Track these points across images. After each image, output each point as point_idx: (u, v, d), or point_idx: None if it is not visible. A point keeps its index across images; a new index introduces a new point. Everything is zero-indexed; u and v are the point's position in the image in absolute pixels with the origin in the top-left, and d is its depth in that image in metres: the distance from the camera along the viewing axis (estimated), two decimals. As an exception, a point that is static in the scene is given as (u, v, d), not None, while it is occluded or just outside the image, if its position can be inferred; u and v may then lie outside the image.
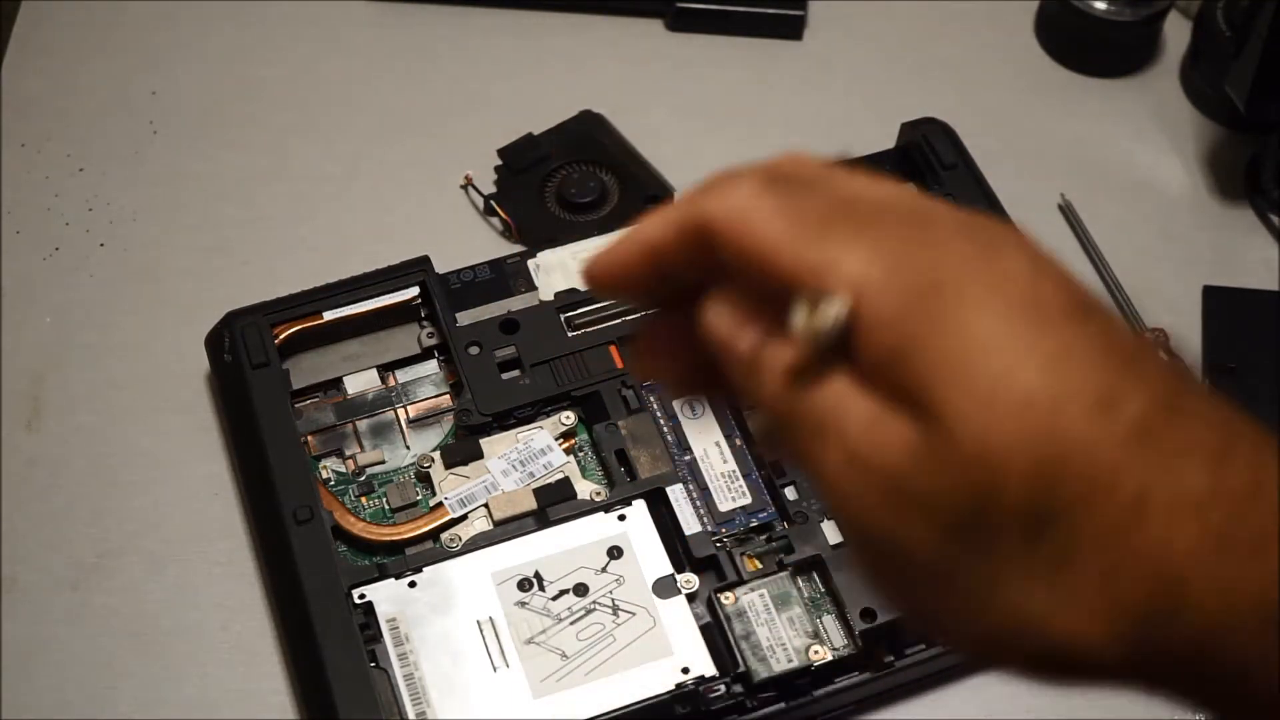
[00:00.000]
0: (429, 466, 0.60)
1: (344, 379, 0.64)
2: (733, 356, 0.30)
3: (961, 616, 0.28)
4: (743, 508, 0.59)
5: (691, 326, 0.32)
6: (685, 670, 0.55)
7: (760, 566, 0.57)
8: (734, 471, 0.60)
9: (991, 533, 0.26)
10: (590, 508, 0.59)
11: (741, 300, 0.30)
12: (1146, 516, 0.26)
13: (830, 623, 0.56)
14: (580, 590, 0.57)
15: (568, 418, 0.62)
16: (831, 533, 0.58)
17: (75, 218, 0.73)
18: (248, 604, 0.61)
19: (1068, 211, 0.73)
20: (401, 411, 0.63)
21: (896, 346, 0.27)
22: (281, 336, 0.63)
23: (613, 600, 0.56)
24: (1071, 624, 0.26)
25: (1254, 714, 0.27)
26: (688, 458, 0.60)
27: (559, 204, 0.72)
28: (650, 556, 0.58)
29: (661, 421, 0.61)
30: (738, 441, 0.61)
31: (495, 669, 0.55)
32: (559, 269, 0.66)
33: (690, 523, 0.58)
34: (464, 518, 0.59)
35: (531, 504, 0.59)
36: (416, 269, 0.65)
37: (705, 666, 0.55)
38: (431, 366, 0.65)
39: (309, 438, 0.62)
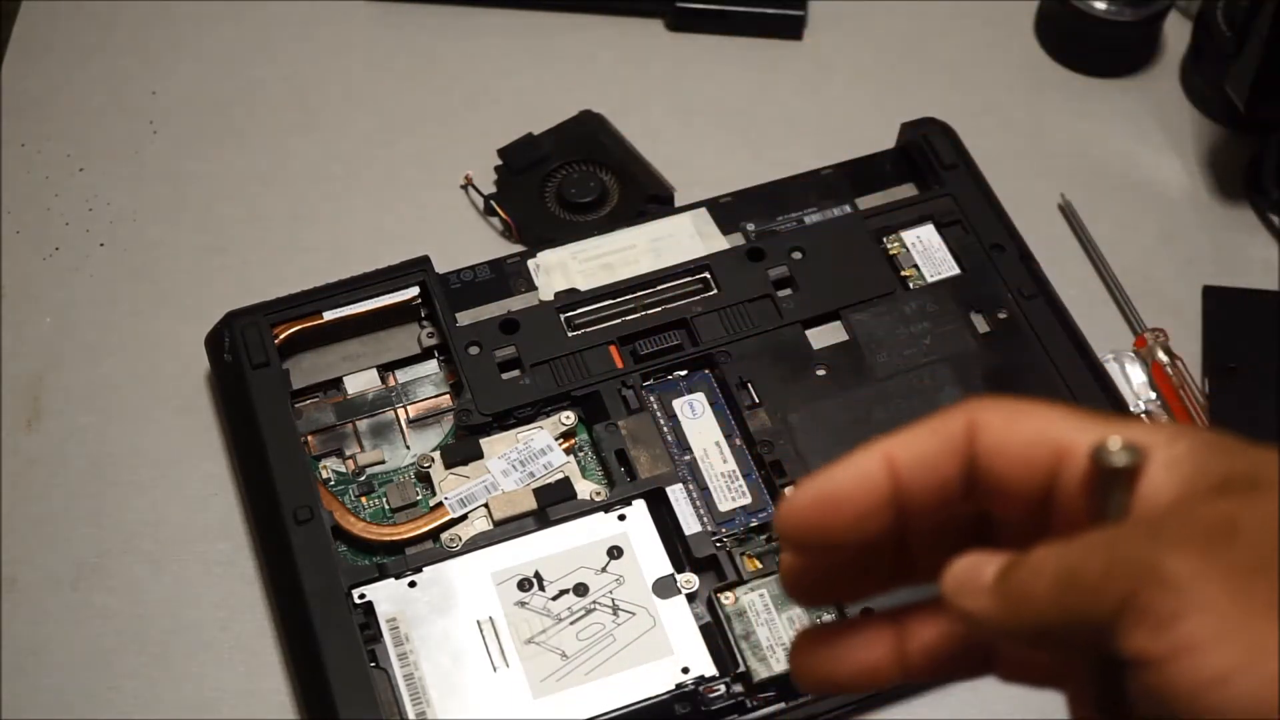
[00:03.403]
0: (429, 466, 0.60)
1: (344, 379, 0.64)
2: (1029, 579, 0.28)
3: None
4: (743, 508, 0.59)
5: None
6: (685, 670, 0.55)
7: (760, 566, 0.57)
8: (734, 471, 0.60)
9: None
10: (590, 508, 0.59)
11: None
12: None
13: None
14: (580, 590, 0.57)
15: (568, 418, 0.62)
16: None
17: (75, 218, 0.73)
18: (248, 604, 0.61)
19: (1068, 211, 0.73)
20: (401, 411, 0.63)
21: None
22: (281, 336, 0.63)
23: (613, 600, 0.56)
24: None
25: None
26: (688, 458, 0.60)
27: (559, 204, 0.72)
28: (650, 556, 0.58)
29: (661, 421, 0.61)
30: (737, 441, 0.61)
31: (495, 669, 0.55)
32: (559, 269, 0.66)
33: (690, 523, 0.58)
34: (464, 518, 0.59)
35: (531, 504, 0.59)
36: (416, 269, 0.65)
37: (705, 666, 0.55)
38: (431, 366, 0.65)
39: (309, 438, 0.62)
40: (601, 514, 0.59)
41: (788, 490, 0.30)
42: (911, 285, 0.66)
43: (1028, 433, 0.29)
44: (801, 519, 0.30)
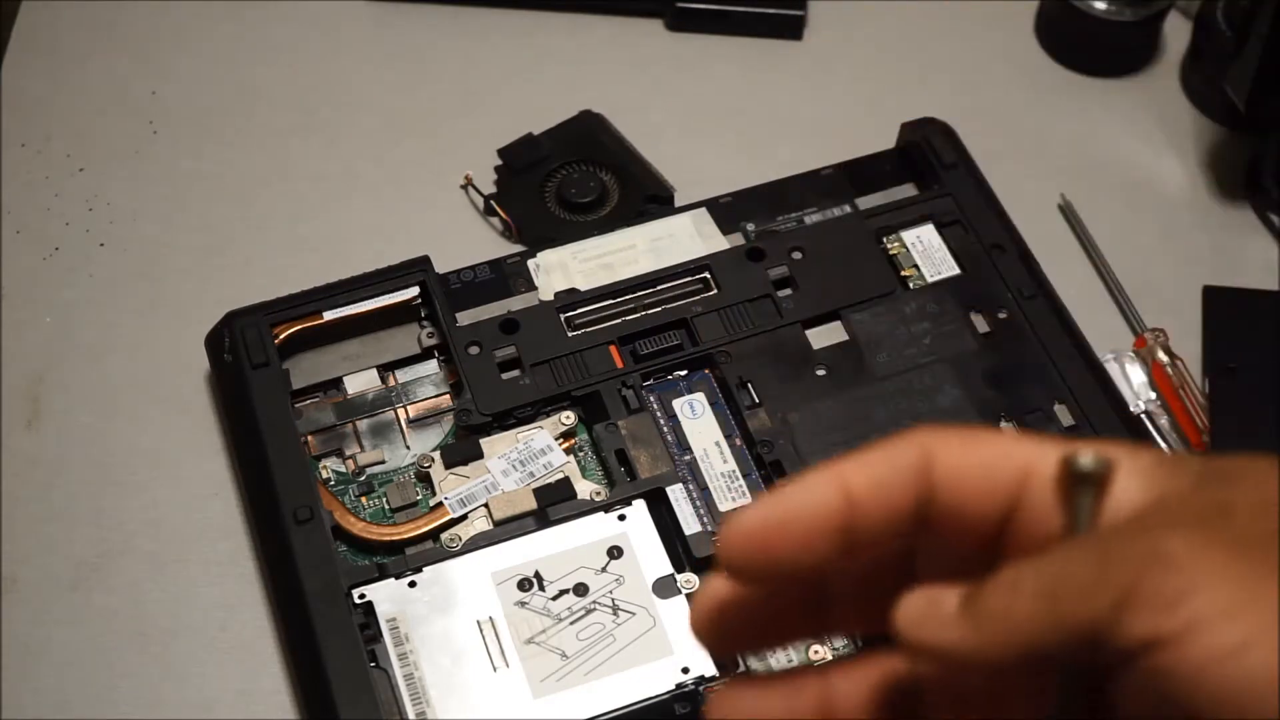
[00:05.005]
0: (429, 466, 0.60)
1: (344, 379, 0.64)
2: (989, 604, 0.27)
3: None
4: (743, 508, 0.59)
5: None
6: (685, 670, 0.55)
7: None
8: (734, 471, 0.60)
9: None
10: (590, 508, 0.59)
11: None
12: None
13: (830, 623, 0.56)
14: (580, 590, 0.57)
15: (568, 418, 0.62)
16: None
17: (75, 218, 0.73)
18: (248, 604, 0.61)
19: (1068, 211, 0.73)
20: (401, 411, 0.63)
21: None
22: (281, 336, 0.63)
23: (613, 600, 0.56)
24: None
25: None
26: (688, 458, 0.60)
27: (559, 204, 0.72)
28: (650, 556, 0.58)
29: (661, 421, 0.61)
30: (738, 441, 0.61)
31: (495, 669, 0.55)
32: (559, 269, 0.66)
33: (690, 523, 0.58)
34: (464, 518, 0.59)
35: (531, 504, 0.59)
36: (416, 269, 0.65)
37: (705, 666, 0.55)
38: (431, 366, 0.65)
39: (309, 438, 0.62)
40: (601, 514, 0.59)
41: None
42: (911, 285, 0.66)
43: (989, 455, 0.29)
44: (750, 540, 0.29)
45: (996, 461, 0.29)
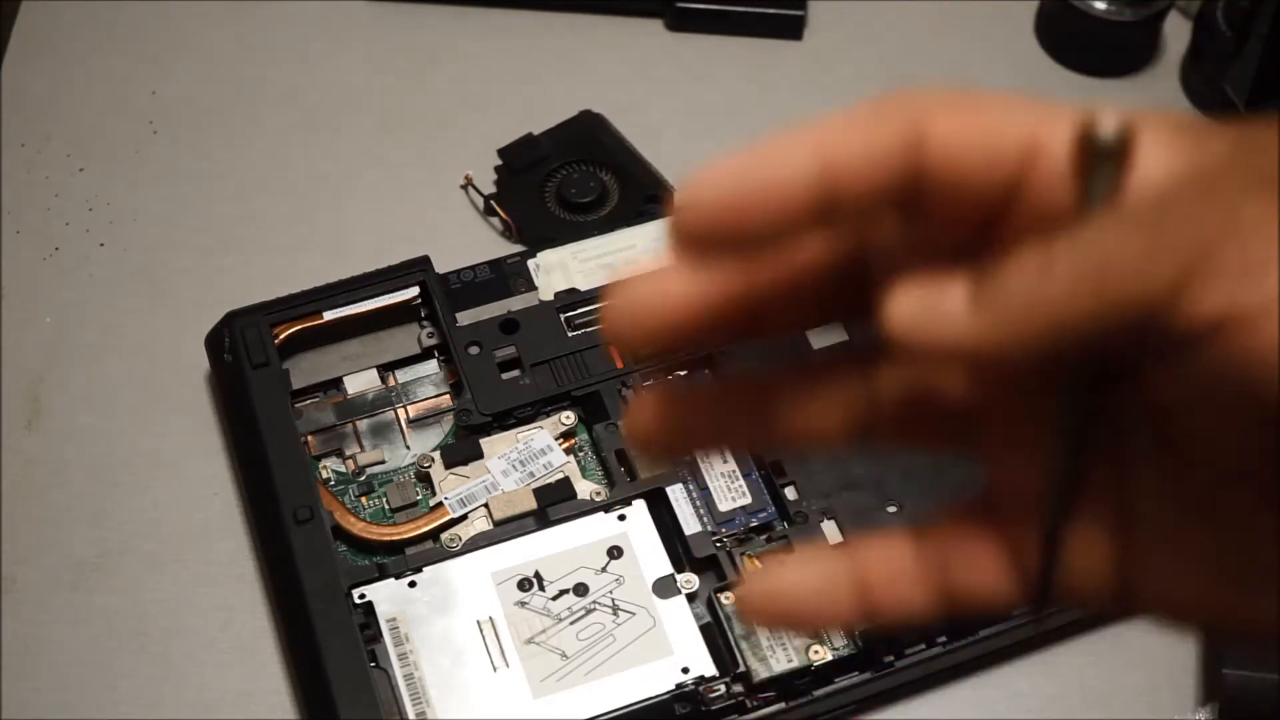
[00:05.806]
0: (429, 466, 0.60)
1: (344, 379, 0.64)
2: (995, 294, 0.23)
3: None
4: (743, 508, 0.59)
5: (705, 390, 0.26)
6: (685, 670, 0.55)
7: (760, 567, 0.57)
8: (734, 471, 0.60)
9: None
10: (590, 508, 0.59)
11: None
12: None
13: (830, 623, 0.56)
14: (580, 590, 0.57)
15: (568, 418, 0.62)
16: (831, 533, 0.58)
17: (75, 218, 0.73)
18: (248, 604, 0.61)
19: (1068, 211, 0.73)
20: (401, 411, 0.63)
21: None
22: (281, 336, 0.63)
23: (613, 600, 0.56)
24: None
25: None
26: (688, 458, 0.60)
27: (559, 204, 0.72)
28: (650, 556, 0.58)
29: (661, 421, 0.61)
30: (738, 441, 0.61)
31: (495, 669, 0.55)
32: (559, 269, 0.66)
33: (690, 523, 0.58)
34: (464, 518, 0.59)
35: (531, 504, 0.59)
36: (416, 269, 0.65)
37: (705, 666, 0.55)
38: (431, 366, 0.65)
39: (309, 438, 0.62)
40: (601, 514, 0.59)
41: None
42: (911, 285, 0.66)
43: (990, 124, 0.25)
44: (716, 208, 0.25)
45: (999, 131, 0.25)
